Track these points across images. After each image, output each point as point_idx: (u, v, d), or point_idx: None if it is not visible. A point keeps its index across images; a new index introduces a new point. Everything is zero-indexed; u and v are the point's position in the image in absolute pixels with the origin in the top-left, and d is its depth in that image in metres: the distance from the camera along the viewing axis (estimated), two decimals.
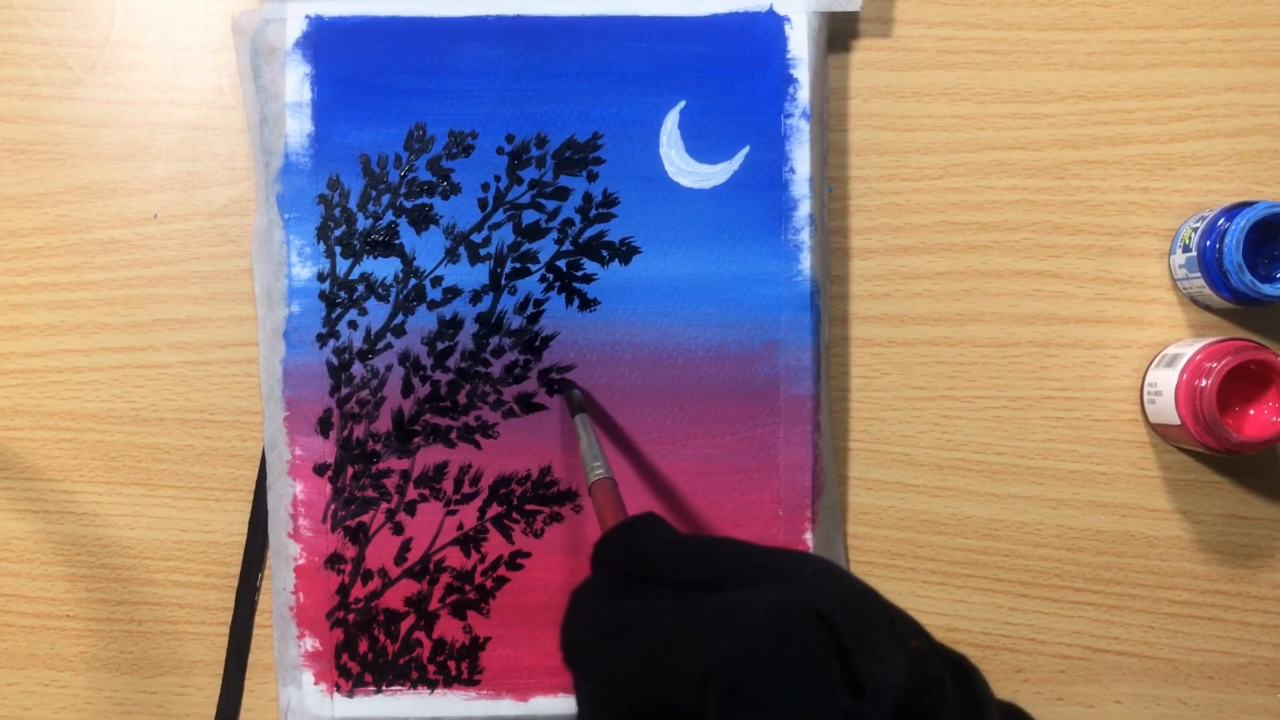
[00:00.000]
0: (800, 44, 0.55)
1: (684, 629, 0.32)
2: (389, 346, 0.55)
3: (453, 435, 0.55)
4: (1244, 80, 0.57)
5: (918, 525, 0.57)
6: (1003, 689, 0.57)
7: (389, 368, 0.55)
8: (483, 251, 0.55)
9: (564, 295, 0.55)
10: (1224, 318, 0.57)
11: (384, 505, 0.55)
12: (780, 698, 0.30)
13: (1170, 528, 0.57)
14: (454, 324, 0.55)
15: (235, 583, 0.57)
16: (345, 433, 0.55)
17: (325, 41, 0.55)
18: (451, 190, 0.55)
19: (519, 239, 0.55)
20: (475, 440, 0.55)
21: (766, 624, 0.31)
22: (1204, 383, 0.51)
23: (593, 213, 0.55)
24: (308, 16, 0.55)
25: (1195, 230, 0.54)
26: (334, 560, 0.55)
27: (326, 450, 0.55)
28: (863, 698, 0.30)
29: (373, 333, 0.55)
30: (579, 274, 0.55)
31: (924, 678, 0.30)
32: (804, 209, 0.54)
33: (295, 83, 0.55)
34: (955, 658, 0.33)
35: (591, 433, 0.49)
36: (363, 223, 0.55)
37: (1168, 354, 0.55)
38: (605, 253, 0.55)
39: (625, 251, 0.55)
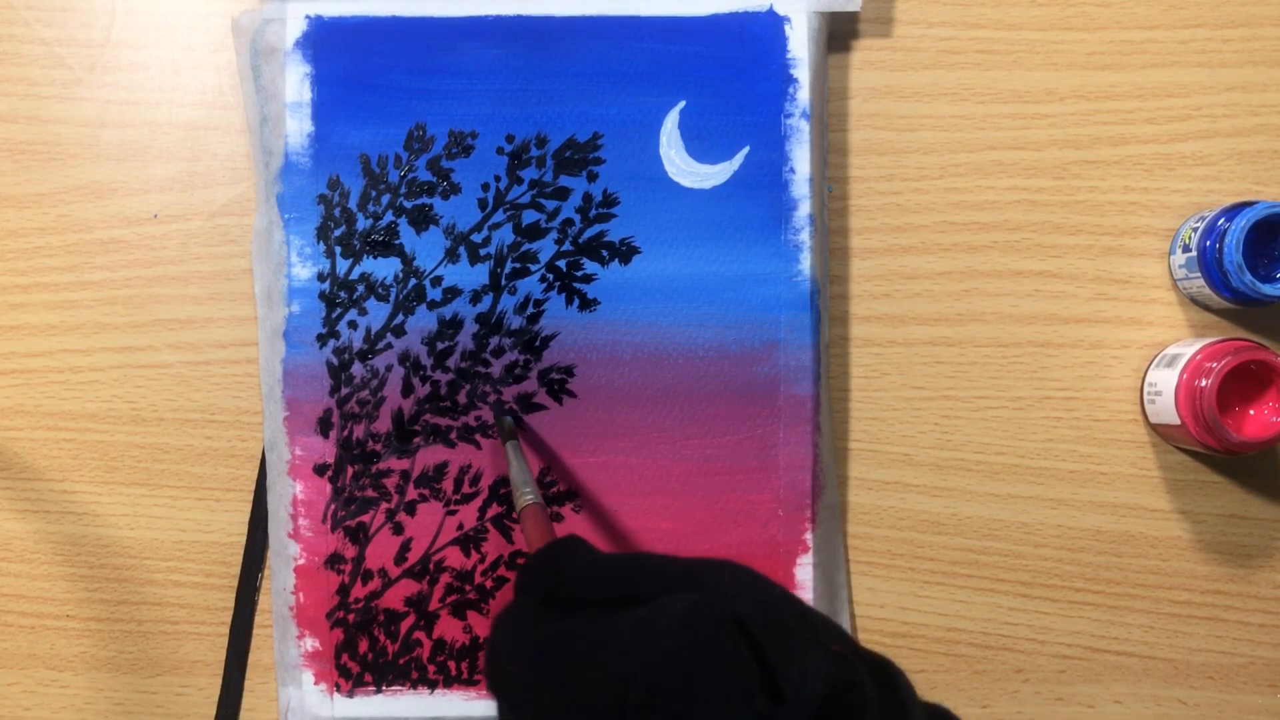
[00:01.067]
0: (800, 44, 0.55)
1: (602, 645, 0.32)
2: (389, 346, 0.55)
3: (453, 435, 0.55)
4: (1244, 80, 0.57)
5: (918, 525, 0.57)
6: (1003, 689, 0.57)
7: (389, 368, 0.55)
8: (483, 251, 0.55)
9: (564, 295, 0.55)
10: (1224, 318, 0.57)
11: (384, 505, 0.55)
12: (697, 705, 0.30)
13: (1170, 528, 0.57)
14: (454, 324, 0.55)
15: (235, 583, 0.57)
16: (345, 433, 0.55)
17: (325, 41, 0.55)
18: (451, 190, 0.55)
19: (519, 239, 0.55)
20: (475, 440, 0.55)
21: (681, 632, 0.31)
22: (1204, 383, 0.51)
23: (593, 213, 0.55)
24: (308, 16, 0.55)
25: (1195, 230, 0.54)
26: (334, 560, 0.55)
27: (326, 450, 0.55)
28: (781, 702, 0.30)
29: (373, 333, 0.55)
30: (579, 274, 0.55)
31: (845, 681, 0.30)
32: (804, 209, 0.54)
33: (295, 83, 0.55)
34: (880, 662, 0.33)
35: (522, 458, 0.49)
36: (363, 223, 0.55)
37: (1168, 354, 0.55)
38: (605, 253, 0.55)
39: (625, 251, 0.55)
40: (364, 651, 0.55)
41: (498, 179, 0.55)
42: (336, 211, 0.55)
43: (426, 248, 0.55)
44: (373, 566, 0.55)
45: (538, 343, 0.55)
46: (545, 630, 0.34)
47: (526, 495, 0.45)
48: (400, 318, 0.55)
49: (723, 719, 0.29)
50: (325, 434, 0.55)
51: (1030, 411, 0.57)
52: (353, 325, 0.55)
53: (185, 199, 0.57)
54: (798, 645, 0.31)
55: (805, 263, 0.54)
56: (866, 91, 0.57)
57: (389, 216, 0.55)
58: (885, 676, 0.32)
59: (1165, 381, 0.54)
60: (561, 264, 0.55)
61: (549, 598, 0.36)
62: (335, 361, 0.55)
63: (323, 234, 0.55)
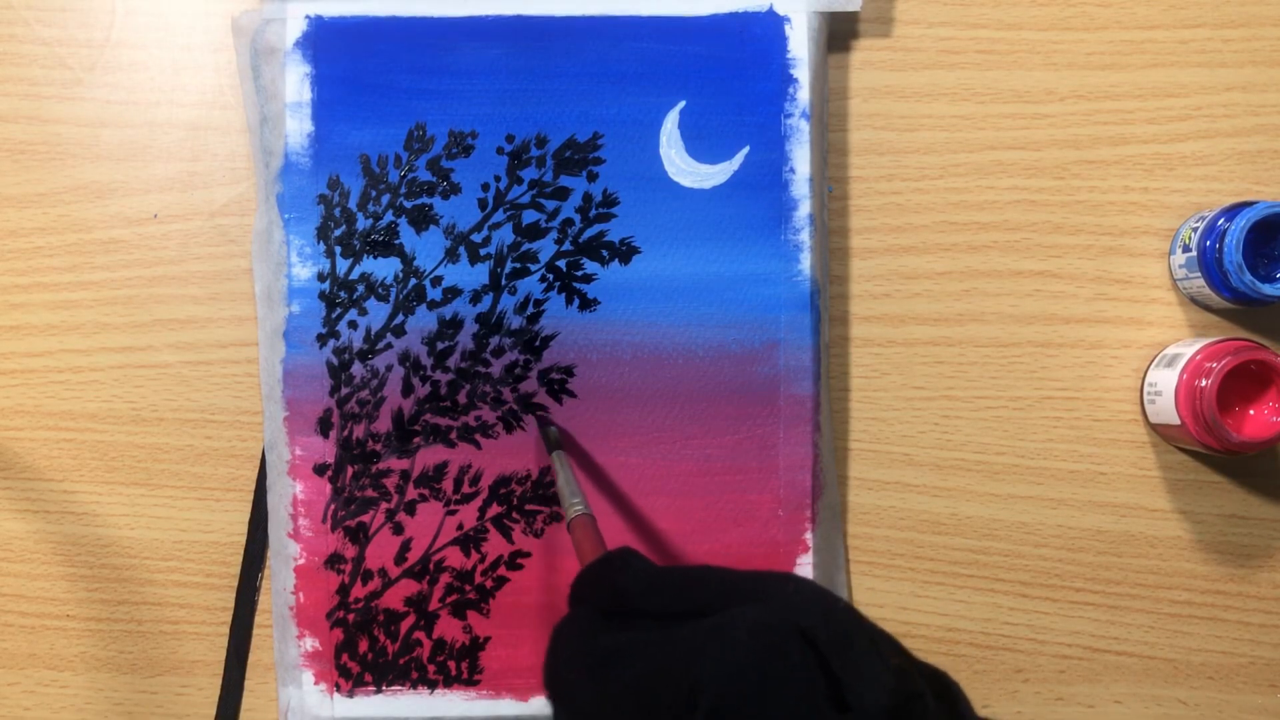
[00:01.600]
0: (800, 44, 0.55)
1: (669, 654, 0.32)
2: (389, 346, 0.55)
3: (453, 435, 0.55)
4: (1244, 80, 0.57)
5: (918, 525, 0.57)
6: (1003, 689, 0.57)
7: (389, 368, 0.55)
8: (483, 251, 0.55)
9: (564, 295, 0.55)
10: (1224, 318, 0.57)
11: (384, 505, 0.55)
12: (767, 713, 0.30)
13: (1170, 528, 0.57)
14: (454, 324, 0.55)
15: (235, 583, 0.57)
16: (345, 433, 0.55)
17: (325, 41, 0.55)
18: (451, 190, 0.55)
19: (519, 239, 0.55)
20: (475, 440, 0.55)
21: (751, 641, 0.31)
22: (1204, 383, 0.51)
23: (593, 213, 0.55)
24: (308, 16, 0.55)
25: (1195, 230, 0.54)
26: (334, 560, 0.55)
27: (326, 450, 0.55)
28: (847, 713, 0.30)
29: (373, 333, 0.55)
30: (579, 274, 0.55)
31: (907, 693, 0.31)
32: (804, 209, 0.54)
33: (295, 83, 0.55)
34: (937, 674, 0.33)
35: (569, 469, 0.49)
36: (363, 223, 0.55)
37: (1168, 354, 0.55)
38: (605, 253, 0.55)
39: (625, 251, 0.55)
40: (364, 651, 0.55)
41: (498, 179, 0.55)
42: (336, 211, 0.55)
43: (426, 248, 0.55)
44: (373, 566, 0.55)
45: (538, 343, 0.55)
46: (606, 640, 0.34)
47: (576, 506, 0.45)
48: (400, 318, 0.55)
49: None
50: (325, 434, 0.55)
51: (1030, 411, 0.57)
52: (353, 325, 0.55)
53: (185, 199, 0.57)
54: (861, 657, 0.31)
55: (805, 263, 0.54)
56: (866, 91, 0.57)
57: (389, 216, 0.55)
58: (942, 689, 0.33)
59: (1165, 381, 0.54)
60: (561, 264, 0.55)
61: (605, 609, 0.36)
62: (335, 361, 0.55)
63: (323, 234, 0.55)
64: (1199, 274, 0.54)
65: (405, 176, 0.55)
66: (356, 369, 0.55)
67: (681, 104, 0.55)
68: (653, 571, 0.36)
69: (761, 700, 0.30)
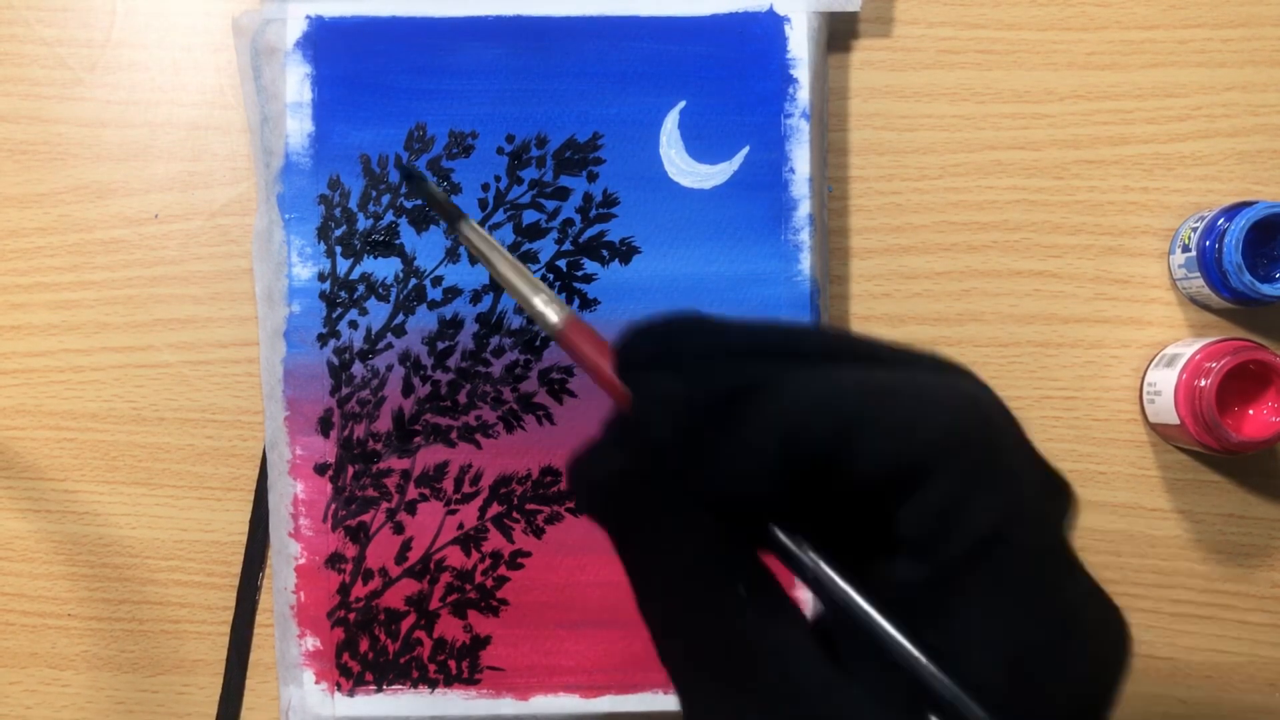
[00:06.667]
0: (800, 44, 0.55)
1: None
2: (389, 346, 0.55)
3: (453, 435, 0.55)
4: (1244, 80, 0.57)
5: None
6: None
7: (389, 367, 0.55)
8: None
9: (564, 295, 0.55)
10: (1224, 318, 0.57)
11: (384, 505, 0.55)
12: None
13: (1170, 527, 0.57)
14: (454, 324, 0.55)
15: (236, 582, 0.57)
16: (346, 432, 0.55)
17: (325, 42, 0.55)
18: (452, 190, 0.55)
19: (519, 239, 0.55)
20: (475, 440, 0.55)
21: (970, 403, 0.24)
22: (1203, 383, 0.52)
23: (593, 213, 0.55)
24: (308, 17, 0.55)
25: (1195, 230, 0.54)
26: (335, 559, 0.55)
27: (327, 450, 0.55)
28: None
29: (373, 332, 0.55)
30: (579, 274, 0.55)
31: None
32: (804, 209, 0.55)
33: (295, 83, 0.55)
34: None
35: (498, 246, 0.31)
36: (363, 223, 0.55)
37: (1167, 354, 0.55)
38: (605, 253, 0.55)
39: (625, 251, 0.55)
40: (365, 650, 0.55)
41: (498, 179, 0.55)
42: (337, 211, 0.55)
43: (427, 247, 0.55)
44: (373, 566, 0.55)
45: (538, 342, 0.55)
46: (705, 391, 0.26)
47: (552, 315, 0.29)
48: (401, 317, 0.55)
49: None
50: (326, 434, 0.55)
51: (1030, 411, 0.57)
52: (353, 325, 0.55)
53: (186, 199, 0.57)
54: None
55: (805, 263, 0.54)
56: (866, 91, 0.57)
57: (389, 216, 0.55)
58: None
59: (1165, 381, 0.54)
60: (562, 264, 0.55)
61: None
62: (336, 361, 0.55)
63: (323, 234, 0.55)
64: (1198, 274, 0.54)
65: None
66: (357, 369, 0.55)
67: (681, 104, 0.55)
68: (743, 325, 0.26)
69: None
